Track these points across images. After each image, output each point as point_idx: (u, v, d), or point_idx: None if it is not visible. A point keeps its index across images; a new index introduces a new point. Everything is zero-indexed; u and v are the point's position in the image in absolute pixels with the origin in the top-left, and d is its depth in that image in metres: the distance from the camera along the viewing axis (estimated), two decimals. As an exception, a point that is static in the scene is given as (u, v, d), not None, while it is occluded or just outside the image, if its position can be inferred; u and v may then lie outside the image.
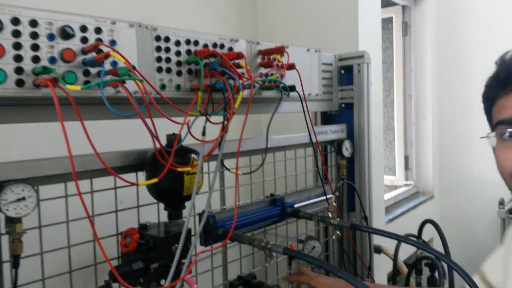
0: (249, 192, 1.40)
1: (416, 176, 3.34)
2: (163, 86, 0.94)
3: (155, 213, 1.09)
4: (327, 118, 1.75)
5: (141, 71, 0.88)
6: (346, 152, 1.62)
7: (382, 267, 2.02)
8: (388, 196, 2.91)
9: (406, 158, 3.35)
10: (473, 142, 3.26)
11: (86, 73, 0.82)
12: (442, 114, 3.40)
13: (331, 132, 1.60)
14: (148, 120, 0.85)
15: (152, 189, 0.99)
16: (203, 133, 0.94)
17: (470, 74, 3.26)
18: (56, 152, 0.90)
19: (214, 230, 1.17)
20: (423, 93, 3.33)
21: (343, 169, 1.64)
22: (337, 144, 1.62)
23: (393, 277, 1.63)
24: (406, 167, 3.35)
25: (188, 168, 0.94)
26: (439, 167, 3.39)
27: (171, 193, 0.97)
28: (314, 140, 1.42)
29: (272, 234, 1.68)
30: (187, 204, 1.00)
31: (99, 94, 0.82)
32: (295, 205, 1.43)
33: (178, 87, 0.97)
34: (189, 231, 1.03)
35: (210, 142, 0.97)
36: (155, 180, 0.87)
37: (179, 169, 0.91)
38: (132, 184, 0.84)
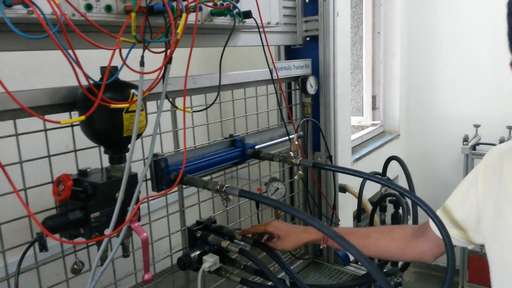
0: (206, 134, 1.29)
1: (383, 116, 3.32)
2: (89, 7, 0.78)
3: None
4: (291, 53, 1.62)
5: (58, -14, 0.72)
6: (311, 89, 1.52)
7: (347, 206, 2.02)
8: (354, 136, 2.88)
9: (374, 98, 3.30)
10: (440, 80, 3.24)
11: (-16, -13, 0.65)
12: (410, 52, 3.32)
13: (295, 67, 1.49)
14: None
15: (86, 130, 0.87)
16: (141, 64, 0.81)
17: (441, 10, 3.15)
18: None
19: (166, 175, 1.07)
20: (392, 29, 3.22)
21: (308, 107, 1.55)
22: (302, 81, 1.52)
23: (358, 215, 1.63)
24: (374, 107, 3.32)
25: (126, 105, 0.82)
26: (406, 106, 3.38)
27: (109, 134, 0.86)
28: (275, 76, 1.31)
29: (233, 178, 1.61)
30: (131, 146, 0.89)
31: (10, 15, 0.67)
32: (257, 146, 1.34)
33: (108, 8, 0.81)
34: (134, 175, 0.92)
35: (150, 74, 0.84)
36: (81, 118, 0.75)
37: (113, 106, 0.78)
38: (55, 123, 0.71)
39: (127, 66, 0.79)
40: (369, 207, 1.73)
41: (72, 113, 0.91)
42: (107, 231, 0.88)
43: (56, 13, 0.64)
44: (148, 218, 1.13)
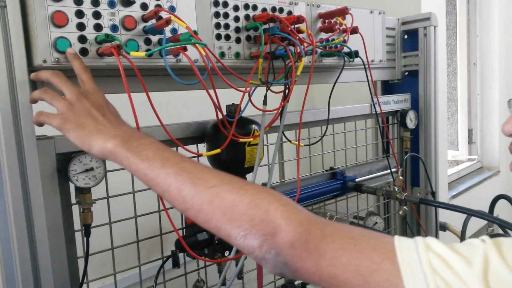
0: (308, 166, 1.35)
1: (480, 150, 3.12)
2: (222, 54, 0.90)
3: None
4: (387, 88, 1.64)
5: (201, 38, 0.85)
6: (411, 124, 1.52)
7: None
8: (451, 171, 2.74)
9: (470, 131, 3.13)
10: (547, 113, 2.97)
11: (147, 41, 0.80)
12: (509, 83, 3.12)
13: (394, 102, 1.50)
14: (211, 91, 0.82)
15: (213, 161, 0.97)
16: (264, 103, 0.90)
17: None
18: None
19: (274, 204, 1.14)
20: (489, 60, 3.07)
21: (407, 142, 1.54)
22: (401, 115, 1.52)
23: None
24: (470, 141, 3.14)
25: (250, 139, 0.91)
26: (505, 140, 3.14)
27: (233, 164, 0.95)
28: (378, 110, 1.34)
29: (331, 210, 1.63)
30: (249, 176, 0.98)
31: (161, 63, 0.80)
32: (357, 179, 1.36)
33: (237, 54, 0.93)
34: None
35: (270, 112, 0.93)
36: (217, 150, 0.85)
37: (241, 140, 0.88)
38: (196, 154, 0.82)
39: (253, 105, 0.89)
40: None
41: (200, 145, 1.02)
42: (228, 254, 0.96)
43: (204, 61, 0.75)
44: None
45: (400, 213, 1.18)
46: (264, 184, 0.99)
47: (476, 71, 3.07)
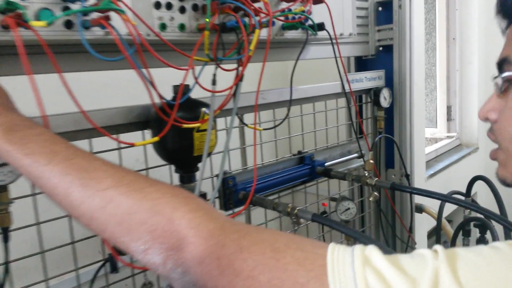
0: (274, 150, 1.25)
1: (459, 128, 3.07)
2: (163, 26, 0.78)
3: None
4: (361, 64, 1.54)
5: (135, 7, 0.72)
6: (385, 102, 1.43)
7: (422, 226, 1.86)
8: (428, 149, 2.69)
9: (449, 108, 3.07)
10: (525, 88, 2.93)
11: (66, 10, 0.67)
12: (489, 59, 3.05)
13: (367, 79, 1.40)
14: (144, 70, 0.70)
15: (158, 149, 0.86)
16: (213, 82, 0.79)
17: (525, 10, 2.87)
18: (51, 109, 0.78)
19: (234, 193, 1.04)
20: (469, 35, 2.98)
21: (381, 122, 1.45)
22: (374, 93, 1.43)
23: (437, 239, 1.48)
24: (449, 118, 3.09)
25: (197, 124, 0.80)
26: (485, 117, 3.10)
27: (180, 153, 0.84)
28: (347, 88, 1.24)
29: (301, 192, 1.54)
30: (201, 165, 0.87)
31: (88, 36, 0.68)
32: (326, 163, 1.27)
33: (181, 27, 0.80)
34: (203, 195, 0.90)
35: (222, 93, 0.81)
36: (155, 139, 0.74)
37: (185, 126, 0.77)
38: (128, 145, 0.71)
39: (200, 85, 0.78)
40: (449, 229, 1.58)
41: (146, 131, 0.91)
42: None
43: (132, 34, 0.63)
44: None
45: (370, 199, 1.10)
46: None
47: (456, 46, 2.99)
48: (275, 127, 1.07)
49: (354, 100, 1.29)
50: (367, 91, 1.45)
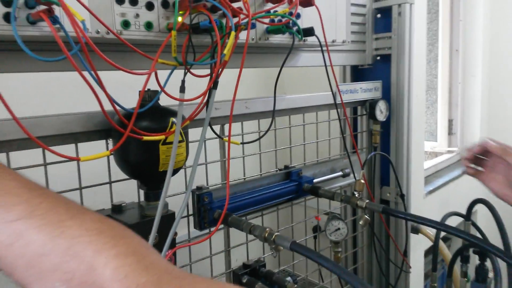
0: (258, 164, 1.15)
1: (460, 142, 2.97)
2: (125, 24, 0.68)
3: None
4: (357, 74, 1.45)
5: (90, 1, 0.63)
6: (381, 116, 1.33)
7: (419, 244, 1.76)
8: (428, 164, 2.58)
9: (450, 122, 2.98)
10: (529, 104, 2.84)
11: (7, 3, 0.58)
12: (493, 72, 2.96)
13: (362, 90, 1.31)
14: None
15: (119, 162, 0.76)
16: (181, 89, 0.69)
17: (530, 24, 2.78)
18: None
19: (209, 211, 0.95)
20: (473, 47, 2.89)
21: (376, 136, 1.35)
22: (370, 106, 1.33)
23: (434, 266, 1.38)
24: (450, 132, 2.99)
25: (161, 137, 0.70)
26: (487, 132, 3.00)
27: (143, 168, 0.75)
28: (338, 100, 1.14)
29: (286, 214, 1.44)
30: (176, 180, 0.77)
31: (29, 32, 0.59)
32: (315, 180, 1.17)
33: (148, 25, 0.71)
34: (171, 215, 0.80)
35: (192, 101, 0.72)
36: (105, 153, 0.64)
37: (145, 138, 0.67)
38: (71, 159, 0.61)
39: (165, 92, 0.68)
40: (447, 253, 1.47)
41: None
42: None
43: (76, 31, 0.54)
44: (189, 258, 1.01)
45: (360, 223, 1.00)
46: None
47: (458, 58, 2.90)
48: (257, 140, 0.97)
49: (345, 113, 1.19)
50: (362, 103, 1.35)
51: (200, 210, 0.96)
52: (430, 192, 2.33)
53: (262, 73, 1.98)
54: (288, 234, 1.32)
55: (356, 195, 0.98)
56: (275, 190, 1.09)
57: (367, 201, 0.96)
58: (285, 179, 1.14)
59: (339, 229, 1.26)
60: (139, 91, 0.76)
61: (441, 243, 1.46)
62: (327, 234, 1.28)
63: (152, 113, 0.74)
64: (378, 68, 1.40)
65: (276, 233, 0.78)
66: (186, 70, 0.71)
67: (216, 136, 0.87)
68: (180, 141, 0.75)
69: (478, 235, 1.32)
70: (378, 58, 1.40)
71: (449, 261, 1.38)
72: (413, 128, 1.41)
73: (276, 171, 1.15)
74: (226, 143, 0.98)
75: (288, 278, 1.04)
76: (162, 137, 0.70)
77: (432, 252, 1.42)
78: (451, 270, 1.38)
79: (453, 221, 1.96)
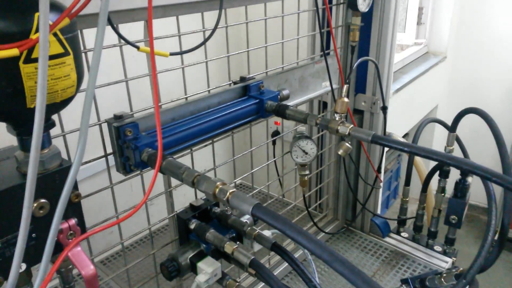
0: (204, 78, 0.84)
1: (429, 33, 2.73)
2: None
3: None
4: None
5: None
6: (363, 4, 1.02)
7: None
8: (395, 59, 2.36)
9: (420, 10, 2.69)
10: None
11: None
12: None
13: (342, -31, 0.97)
14: None
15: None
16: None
17: None
18: None
19: (135, 150, 0.67)
20: None
21: (355, 32, 1.06)
22: (350, -9, 1.01)
23: (407, 180, 1.23)
24: (418, 22, 2.72)
25: (14, 50, 0.38)
26: (458, 23, 2.77)
27: (1, 103, 0.43)
28: (315, -18, 0.82)
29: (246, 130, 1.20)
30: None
31: None
32: (282, 93, 0.90)
33: None
34: (63, 170, 0.52)
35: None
36: None
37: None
38: None
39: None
40: (422, 167, 1.33)
41: None
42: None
43: None
44: (115, 209, 0.75)
45: (340, 152, 0.77)
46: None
47: None
48: (198, 46, 0.65)
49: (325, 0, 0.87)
50: (341, -13, 1.03)
51: (122, 148, 0.68)
52: (397, 90, 2.15)
53: None
54: (245, 159, 1.09)
55: (337, 118, 0.73)
56: (229, 112, 0.81)
57: (351, 126, 0.71)
58: (241, 96, 0.86)
59: (307, 153, 1.04)
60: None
61: (417, 159, 1.31)
62: (292, 157, 1.06)
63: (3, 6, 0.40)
64: None
65: (230, 190, 0.53)
66: None
67: (123, 39, 0.55)
68: (58, 55, 0.43)
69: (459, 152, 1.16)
70: None
71: (426, 175, 1.24)
72: (397, 21, 1.13)
73: (230, 84, 0.86)
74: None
75: (247, 217, 0.83)
76: (14, 51, 0.38)
77: (407, 168, 1.26)
78: (427, 184, 1.24)
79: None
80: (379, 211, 1.37)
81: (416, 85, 2.34)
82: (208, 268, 0.75)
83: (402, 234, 1.36)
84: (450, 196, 1.17)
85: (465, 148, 1.17)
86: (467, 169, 0.62)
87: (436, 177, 1.23)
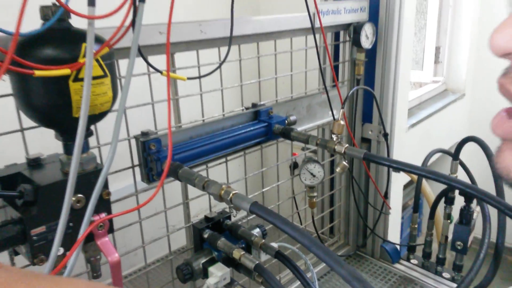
0: (220, 104, 0.96)
1: (446, 71, 2.81)
2: None
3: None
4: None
5: None
6: (366, 42, 1.14)
7: (398, 180, 1.67)
8: (412, 95, 2.44)
9: (437, 49, 2.79)
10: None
11: None
12: (486, -5, 2.73)
13: (346, 11, 1.10)
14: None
15: (21, 106, 0.57)
16: (90, 1, 0.48)
17: None
18: None
19: (157, 161, 0.78)
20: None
21: (360, 67, 1.17)
22: (354, 30, 1.13)
23: (415, 206, 1.28)
24: (436, 60, 2.81)
25: (66, 70, 0.50)
26: (475, 61, 2.84)
27: (51, 114, 0.56)
28: (317, 23, 0.94)
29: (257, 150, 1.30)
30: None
31: None
32: (289, 119, 1.00)
33: None
34: (94, 172, 0.63)
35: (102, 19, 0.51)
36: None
37: (38, 73, 0.48)
38: None
39: (66, 7, 0.47)
40: (430, 195, 1.38)
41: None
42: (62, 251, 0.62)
43: None
44: (139, 215, 0.86)
45: (337, 170, 0.86)
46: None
47: (451, -22, 2.63)
48: (210, 73, 0.78)
49: (325, 39, 0.99)
50: (346, 26, 1.15)
51: (146, 160, 0.79)
52: (413, 125, 2.21)
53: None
54: (258, 179, 1.19)
55: (334, 139, 0.83)
56: (240, 133, 0.92)
57: (346, 145, 0.81)
58: (252, 120, 0.97)
59: (314, 176, 1.12)
60: (41, 6, 0.54)
61: (424, 182, 1.36)
62: (301, 179, 1.14)
63: (56, 37, 0.54)
64: (365, -16, 1.18)
65: (233, 192, 0.63)
66: (96, -26, 0.49)
67: (153, 68, 0.68)
68: (99, 76, 0.56)
69: (465, 176, 1.22)
70: (366, -29, 1.16)
71: (432, 202, 1.29)
72: (402, 58, 1.23)
73: (242, 110, 0.98)
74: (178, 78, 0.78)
75: (256, 230, 0.91)
76: (67, 71, 0.51)
77: (414, 195, 1.32)
78: (434, 211, 1.29)
79: (438, 157, 1.86)
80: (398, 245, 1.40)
81: (433, 121, 2.39)
82: (218, 272, 0.83)
83: (412, 260, 1.39)
84: (456, 222, 1.21)
85: (471, 173, 1.21)
86: (445, 182, 0.69)
87: (442, 204, 1.27)
